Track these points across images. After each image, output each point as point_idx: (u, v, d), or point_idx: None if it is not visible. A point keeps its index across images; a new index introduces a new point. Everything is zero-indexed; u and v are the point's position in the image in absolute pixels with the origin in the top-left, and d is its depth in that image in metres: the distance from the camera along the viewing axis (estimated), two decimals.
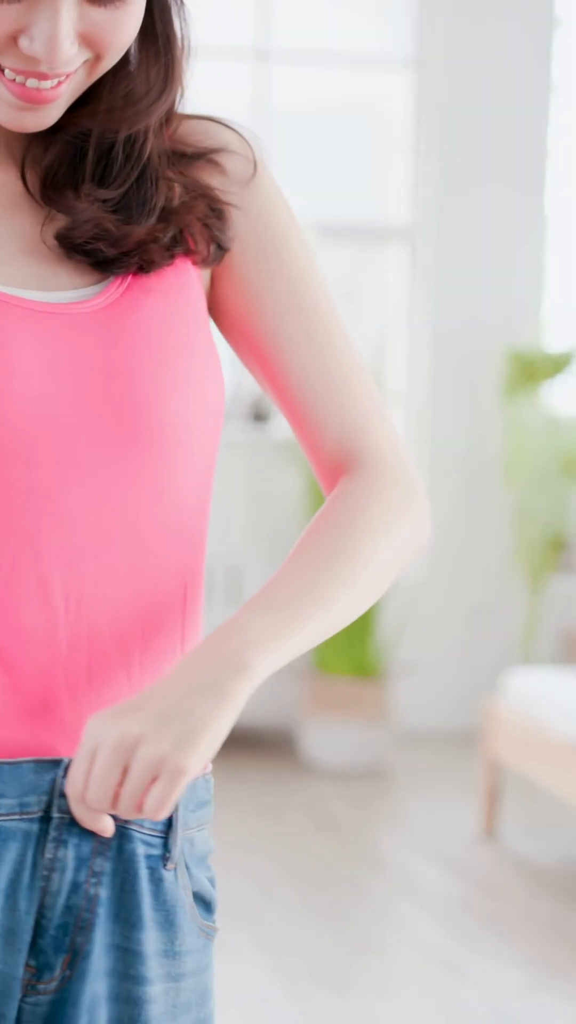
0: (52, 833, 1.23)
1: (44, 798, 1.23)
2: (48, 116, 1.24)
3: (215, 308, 1.36)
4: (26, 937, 1.24)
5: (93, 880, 1.25)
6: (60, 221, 1.29)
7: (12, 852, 1.22)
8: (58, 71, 1.21)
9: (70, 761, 1.22)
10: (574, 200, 6.43)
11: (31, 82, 1.21)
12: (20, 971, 1.24)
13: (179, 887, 1.29)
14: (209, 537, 5.83)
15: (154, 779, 1.13)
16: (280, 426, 6.06)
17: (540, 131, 6.22)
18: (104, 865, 1.25)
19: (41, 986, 1.26)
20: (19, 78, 1.21)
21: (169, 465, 1.26)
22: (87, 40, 1.22)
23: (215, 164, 1.33)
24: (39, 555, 1.22)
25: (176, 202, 1.30)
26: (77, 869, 1.25)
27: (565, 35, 6.30)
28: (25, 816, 1.23)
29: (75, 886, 1.25)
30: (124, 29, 1.23)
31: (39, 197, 1.30)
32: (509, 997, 3.53)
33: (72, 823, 1.24)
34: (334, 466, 1.33)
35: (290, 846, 4.67)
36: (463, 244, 6.20)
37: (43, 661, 1.23)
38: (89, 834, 1.25)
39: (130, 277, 1.28)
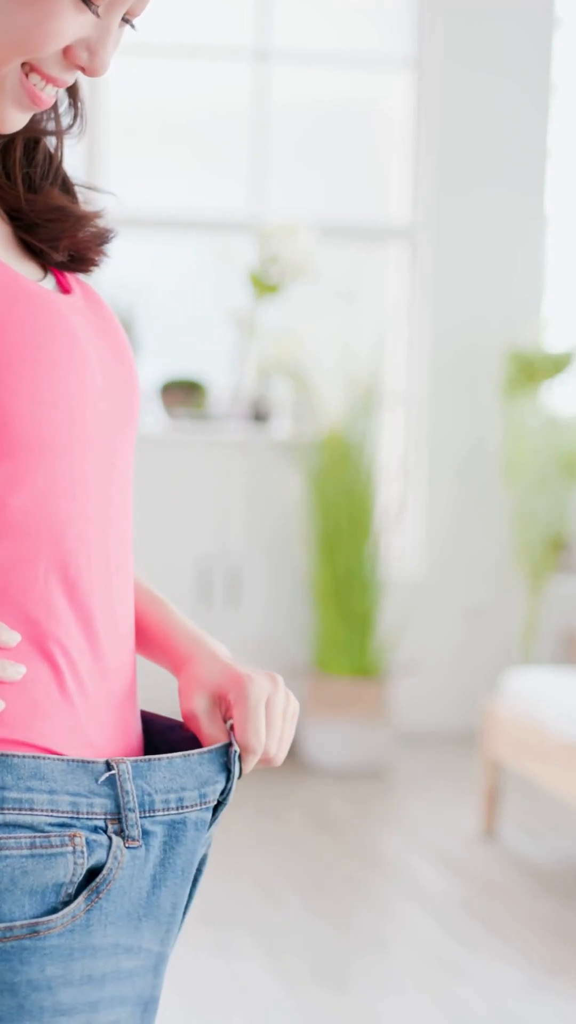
0: (218, 815, 1.32)
1: (218, 787, 1.31)
2: (28, 118, 1.26)
3: None
4: (181, 915, 1.33)
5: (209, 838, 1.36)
6: (5, 220, 1.30)
7: (201, 843, 1.32)
8: (69, 81, 1.23)
9: (227, 747, 1.31)
10: (574, 200, 6.43)
11: (49, 89, 1.21)
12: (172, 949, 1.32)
13: None
14: (209, 537, 5.85)
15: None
16: (280, 426, 6.05)
17: (540, 131, 6.22)
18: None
19: None
20: (40, 83, 1.21)
21: (134, 445, 1.34)
22: None
23: None
24: (106, 540, 1.27)
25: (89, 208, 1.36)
26: None
27: (565, 35, 6.30)
28: (203, 805, 1.30)
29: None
30: (117, 46, 1.25)
31: None
32: (509, 997, 3.53)
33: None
34: None
35: (290, 846, 4.67)
36: (463, 244, 6.20)
37: (117, 640, 1.28)
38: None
39: (69, 274, 1.33)
